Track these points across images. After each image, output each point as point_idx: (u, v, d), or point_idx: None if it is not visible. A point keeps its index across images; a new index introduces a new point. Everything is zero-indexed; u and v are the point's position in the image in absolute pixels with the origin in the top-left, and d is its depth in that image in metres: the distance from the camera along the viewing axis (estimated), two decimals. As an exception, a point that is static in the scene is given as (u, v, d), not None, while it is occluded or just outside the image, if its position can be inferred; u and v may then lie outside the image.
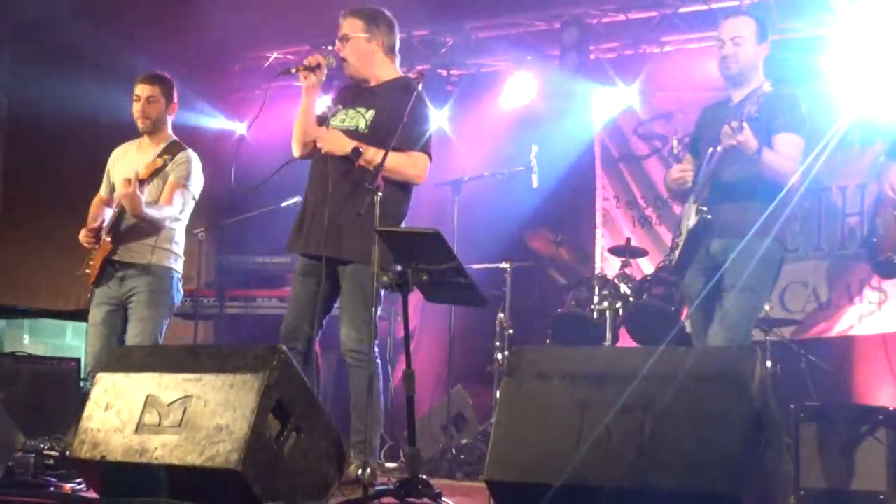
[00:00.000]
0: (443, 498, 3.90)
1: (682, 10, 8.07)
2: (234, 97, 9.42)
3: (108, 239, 5.65)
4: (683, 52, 8.28)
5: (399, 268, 4.03)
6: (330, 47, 5.17)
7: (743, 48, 4.96)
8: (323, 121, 5.09)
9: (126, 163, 5.87)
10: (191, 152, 5.84)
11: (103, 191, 5.98)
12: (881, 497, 5.16)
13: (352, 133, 4.99)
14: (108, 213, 5.84)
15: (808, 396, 6.17)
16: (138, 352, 4.60)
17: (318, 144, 4.99)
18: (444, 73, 8.55)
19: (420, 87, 4.86)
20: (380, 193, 4.53)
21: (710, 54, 7.89)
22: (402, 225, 5.03)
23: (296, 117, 5.13)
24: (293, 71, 5.14)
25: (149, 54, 7.76)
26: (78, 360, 7.41)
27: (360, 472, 4.59)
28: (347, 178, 4.93)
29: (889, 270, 4.46)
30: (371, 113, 5.04)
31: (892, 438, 5.23)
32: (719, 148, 4.82)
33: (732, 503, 3.28)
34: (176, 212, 5.73)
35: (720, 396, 3.44)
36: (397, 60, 5.28)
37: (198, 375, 4.08)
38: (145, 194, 5.54)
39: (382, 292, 4.77)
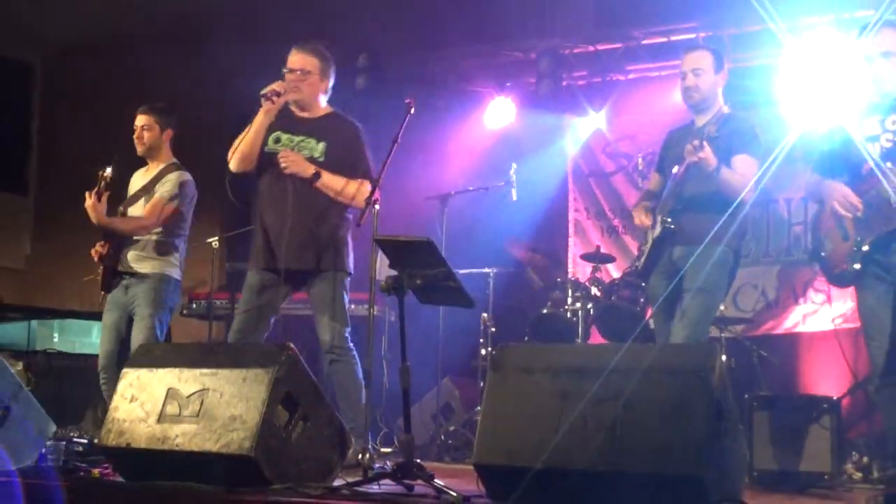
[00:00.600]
0: (435, 480, 3.86)
1: (644, 42, 8.10)
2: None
3: (104, 251, 5.76)
4: (646, 80, 8.32)
5: (395, 272, 4.00)
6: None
7: (703, 78, 4.98)
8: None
9: (132, 185, 5.98)
10: (181, 173, 5.89)
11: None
12: (826, 477, 5.16)
13: (309, 160, 5.03)
14: None
15: (760, 387, 6.19)
16: (160, 349, 4.58)
17: (282, 163, 4.96)
18: (433, 96, 8.55)
19: (412, 111, 4.83)
20: (377, 207, 4.64)
21: (669, 81, 7.96)
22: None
23: (246, 134, 5.06)
24: (261, 92, 5.04)
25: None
26: (101, 357, 7.39)
27: (359, 456, 4.59)
28: (307, 198, 4.98)
29: (845, 281, 4.47)
30: (323, 145, 5.08)
31: (835, 424, 5.23)
32: (683, 166, 4.84)
33: (696, 484, 3.27)
34: (151, 223, 5.77)
35: (684, 388, 3.43)
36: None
37: (214, 370, 4.06)
38: (134, 209, 5.76)
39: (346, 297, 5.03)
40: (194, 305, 7.73)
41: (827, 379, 7.12)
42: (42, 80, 9.62)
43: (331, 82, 5.24)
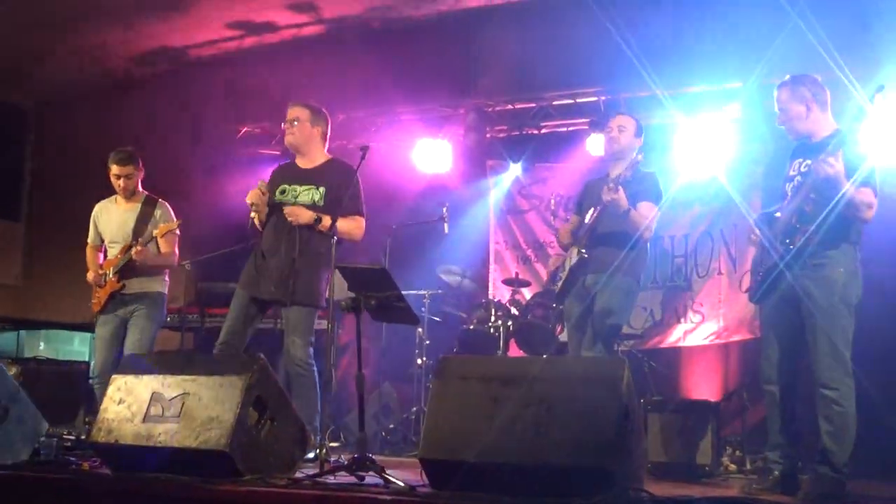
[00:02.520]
0: (385, 472, 3.82)
1: (555, 102, 8.19)
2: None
3: (115, 279, 5.67)
4: (556, 134, 8.39)
5: (353, 295, 3.98)
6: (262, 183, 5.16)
7: (624, 135, 5.13)
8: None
9: (113, 217, 5.84)
10: (164, 203, 5.88)
11: (91, 239, 5.92)
12: (707, 468, 5.22)
13: (310, 207, 5.01)
14: (108, 255, 5.82)
15: (651, 393, 6.25)
16: (146, 358, 4.47)
17: (288, 217, 4.94)
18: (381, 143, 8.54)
19: (364, 156, 4.82)
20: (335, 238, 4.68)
21: (576, 136, 8.09)
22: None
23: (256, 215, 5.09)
24: (249, 206, 5.07)
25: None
26: (87, 363, 7.23)
27: (317, 451, 4.52)
28: (304, 238, 4.94)
29: (753, 297, 4.54)
30: (322, 190, 5.06)
31: (715, 424, 5.30)
32: (599, 207, 4.92)
33: (608, 475, 3.30)
34: (175, 251, 5.80)
35: (597, 394, 3.46)
36: (326, 145, 5.31)
37: (194, 377, 4.00)
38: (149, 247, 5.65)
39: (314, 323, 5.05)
40: (168, 318, 7.55)
41: (703, 385, 7.26)
42: (34, 122, 9.46)
43: (323, 129, 5.24)
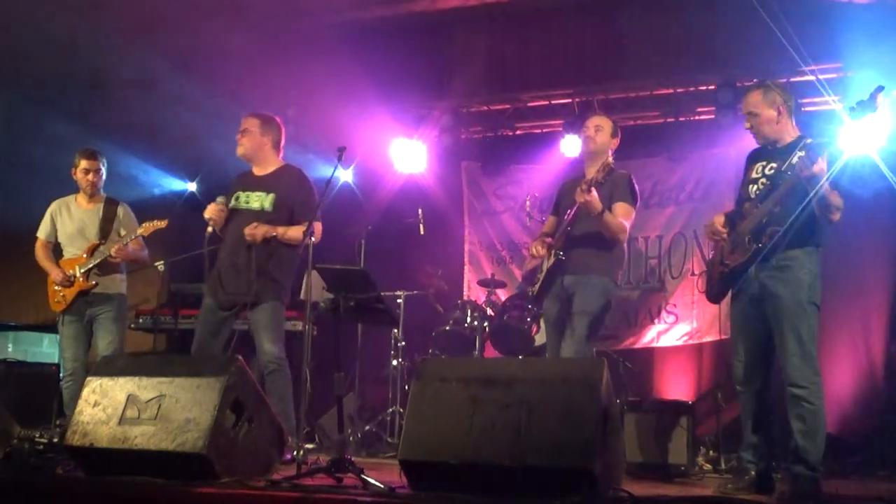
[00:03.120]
0: (363, 474, 3.81)
1: (529, 104, 8.22)
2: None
3: (84, 277, 5.74)
4: (531, 136, 8.43)
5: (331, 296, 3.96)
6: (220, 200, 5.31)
7: (601, 135, 5.15)
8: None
9: (74, 217, 5.90)
10: (123, 203, 5.98)
11: (46, 235, 5.95)
12: (683, 468, 5.25)
13: (259, 212, 5.19)
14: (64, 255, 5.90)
15: (626, 392, 6.27)
16: (121, 360, 4.42)
17: (248, 238, 5.05)
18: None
19: (341, 157, 4.85)
20: (313, 239, 4.71)
21: (550, 137, 8.12)
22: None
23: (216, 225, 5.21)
24: (208, 220, 5.21)
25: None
26: (57, 365, 7.11)
27: (294, 453, 4.50)
28: (260, 248, 5.07)
29: (714, 297, 4.55)
30: (272, 196, 5.23)
31: (691, 424, 5.33)
32: (574, 209, 4.93)
33: (588, 475, 3.31)
34: (146, 248, 5.94)
35: (577, 395, 3.47)
36: (281, 153, 5.47)
37: (171, 378, 3.97)
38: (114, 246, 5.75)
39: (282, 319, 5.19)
40: (141, 320, 7.49)
41: (677, 385, 7.32)
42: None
43: (274, 137, 5.41)
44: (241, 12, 7.61)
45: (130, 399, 3.96)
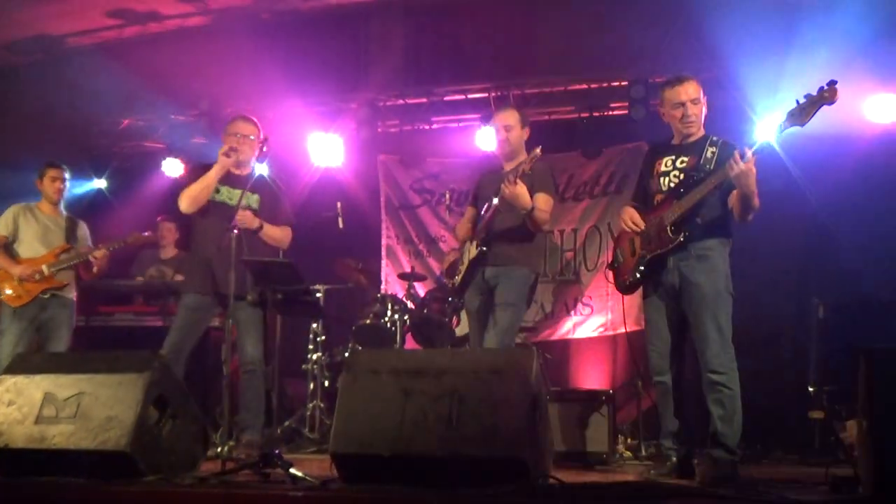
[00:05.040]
0: (292, 469, 3.76)
1: (445, 98, 8.23)
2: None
3: (52, 275, 5.89)
4: (447, 129, 8.43)
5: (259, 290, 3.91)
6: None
7: (513, 133, 5.13)
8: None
9: (39, 220, 6.03)
10: (82, 222, 6.25)
11: (10, 233, 5.99)
12: (604, 455, 5.33)
13: (247, 208, 5.12)
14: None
15: (546, 383, 6.35)
16: (37, 357, 4.27)
17: (240, 223, 4.83)
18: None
19: (264, 146, 4.86)
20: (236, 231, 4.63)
21: (467, 130, 8.15)
22: None
23: (201, 182, 5.09)
24: (224, 150, 5.10)
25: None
26: None
27: (219, 449, 4.43)
28: (247, 240, 4.86)
29: (628, 289, 4.61)
30: (257, 197, 5.19)
31: (611, 413, 5.42)
32: (496, 200, 4.94)
33: (520, 464, 3.35)
34: None
35: (507, 385, 3.50)
36: None
37: (90, 375, 3.86)
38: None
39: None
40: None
41: (594, 375, 7.44)
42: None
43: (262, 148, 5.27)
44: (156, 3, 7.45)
45: (48, 397, 3.83)
